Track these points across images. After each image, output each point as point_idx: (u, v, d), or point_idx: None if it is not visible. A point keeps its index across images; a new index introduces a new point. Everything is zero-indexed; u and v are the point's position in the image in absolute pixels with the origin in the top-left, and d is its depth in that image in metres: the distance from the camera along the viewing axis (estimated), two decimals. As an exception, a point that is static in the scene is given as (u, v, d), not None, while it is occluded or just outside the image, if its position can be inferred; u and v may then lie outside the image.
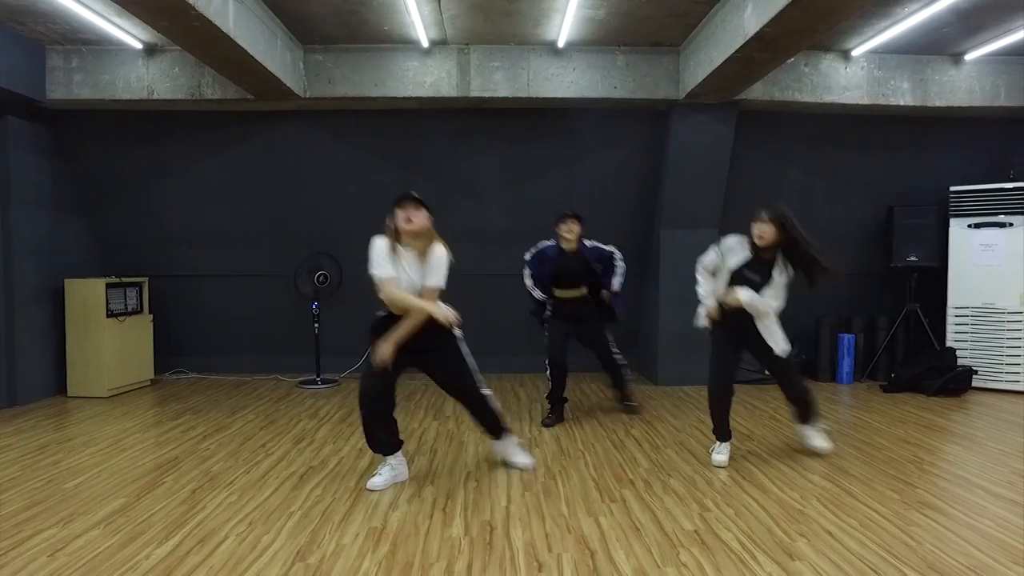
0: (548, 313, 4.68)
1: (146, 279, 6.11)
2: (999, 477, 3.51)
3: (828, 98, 5.44)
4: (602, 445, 4.14)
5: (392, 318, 3.30)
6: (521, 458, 3.73)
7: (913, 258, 5.96)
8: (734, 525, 2.88)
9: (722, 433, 3.80)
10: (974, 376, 5.62)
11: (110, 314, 5.65)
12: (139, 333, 5.98)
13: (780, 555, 2.60)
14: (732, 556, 2.60)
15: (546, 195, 6.10)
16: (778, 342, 3.70)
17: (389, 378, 3.34)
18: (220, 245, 6.34)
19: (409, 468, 3.59)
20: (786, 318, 6.80)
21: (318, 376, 6.14)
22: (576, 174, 6.09)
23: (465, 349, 3.48)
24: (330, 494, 3.28)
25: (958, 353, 5.74)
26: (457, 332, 3.42)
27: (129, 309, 5.89)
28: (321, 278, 6.01)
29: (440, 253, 3.26)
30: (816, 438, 3.96)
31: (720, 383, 3.82)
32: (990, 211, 5.69)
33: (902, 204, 6.03)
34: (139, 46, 5.15)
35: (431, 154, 6.03)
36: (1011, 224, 5.61)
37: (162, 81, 5.30)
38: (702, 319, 3.83)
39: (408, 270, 3.24)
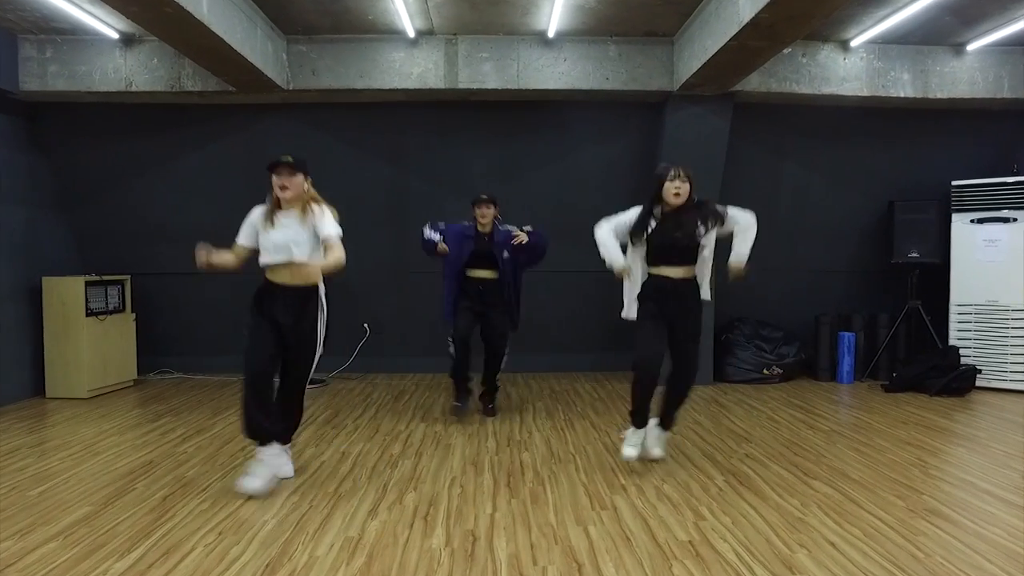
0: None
1: (128, 277, 5.94)
2: (1006, 481, 3.36)
3: (826, 89, 5.29)
4: (594, 448, 4.00)
5: (268, 286, 3.27)
6: (286, 469, 3.40)
7: (914, 254, 5.82)
8: (731, 535, 2.73)
9: (641, 418, 3.50)
10: (978, 375, 5.48)
11: (90, 313, 5.48)
12: (121, 332, 5.82)
13: (780, 568, 2.45)
14: (728, 569, 2.45)
15: (537, 190, 5.96)
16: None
17: (271, 349, 3.19)
18: (204, 241, 6.16)
19: (393, 471, 3.43)
20: (785, 315, 6.67)
21: (305, 376, 5.97)
22: (568, 168, 5.95)
23: (320, 334, 3.32)
24: (307, 501, 3.13)
25: (961, 352, 5.59)
26: (322, 305, 3.31)
27: (110, 308, 5.73)
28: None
29: (321, 208, 3.23)
30: (659, 447, 3.67)
31: (653, 360, 3.42)
32: (993, 206, 5.54)
33: (903, 199, 5.89)
34: (115, 36, 4.99)
35: (419, 148, 5.89)
36: (1015, 219, 5.46)
37: (140, 73, 5.13)
38: (630, 308, 3.54)
39: (292, 231, 3.21)
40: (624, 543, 2.67)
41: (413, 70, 5.19)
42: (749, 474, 3.49)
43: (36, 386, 5.49)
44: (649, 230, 3.46)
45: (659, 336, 3.45)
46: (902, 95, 5.34)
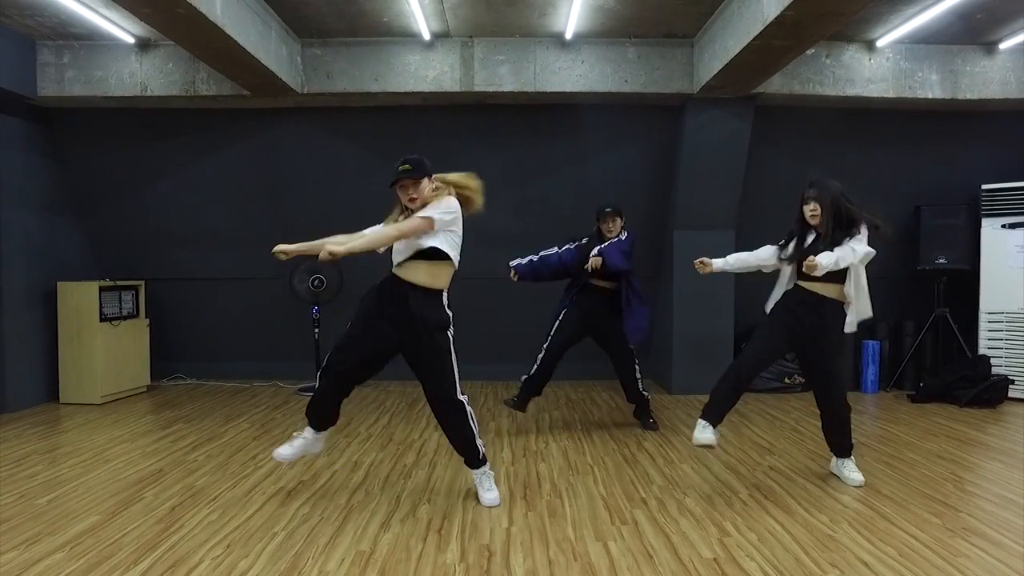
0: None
1: (142, 282, 5.92)
2: (1048, 498, 3.21)
3: (851, 91, 5.15)
4: (613, 459, 3.88)
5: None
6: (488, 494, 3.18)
7: (942, 260, 5.64)
8: (757, 552, 2.61)
9: (717, 417, 3.35)
10: (1010, 386, 5.29)
11: (104, 318, 5.46)
12: (134, 338, 5.80)
13: (810, 589, 2.33)
14: (756, 590, 2.33)
15: (553, 194, 5.87)
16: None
17: (367, 353, 3.10)
18: (218, 247, 6.15)
19: (407, 482, 3.35)
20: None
21: (317, 382, 5.91)
22: (585, 172, 5.84)
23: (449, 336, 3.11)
24: (318, 512, 3.05)
25: (992, 361, 5.40)
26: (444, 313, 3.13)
27: (124, 313, 5.71)
28: (316, 282, 5.79)
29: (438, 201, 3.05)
30: (853, 472, 3.51)
31: (751, 371, 3.33)
32: (1025, 210, 5.36)
33: (930, 203, 5.71)
34: (131, 40, 4.97)
35: (434, 152, 5.74)
36: (1048, 224, 5.28)
37: (156, 77, 5.12)
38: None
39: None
40: (646, 560, 2.55)
41: (429, 73, 5.13)
42: (774, 488, 3.36)
43: (50, 391, 5.47)
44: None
45: (773, 349, 3.41)
46: (930, 96, 5.19)
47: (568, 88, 5.16)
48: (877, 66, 5.15)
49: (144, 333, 5.94)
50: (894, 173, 5.88)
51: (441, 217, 2.97)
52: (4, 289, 5.11)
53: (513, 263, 4.49)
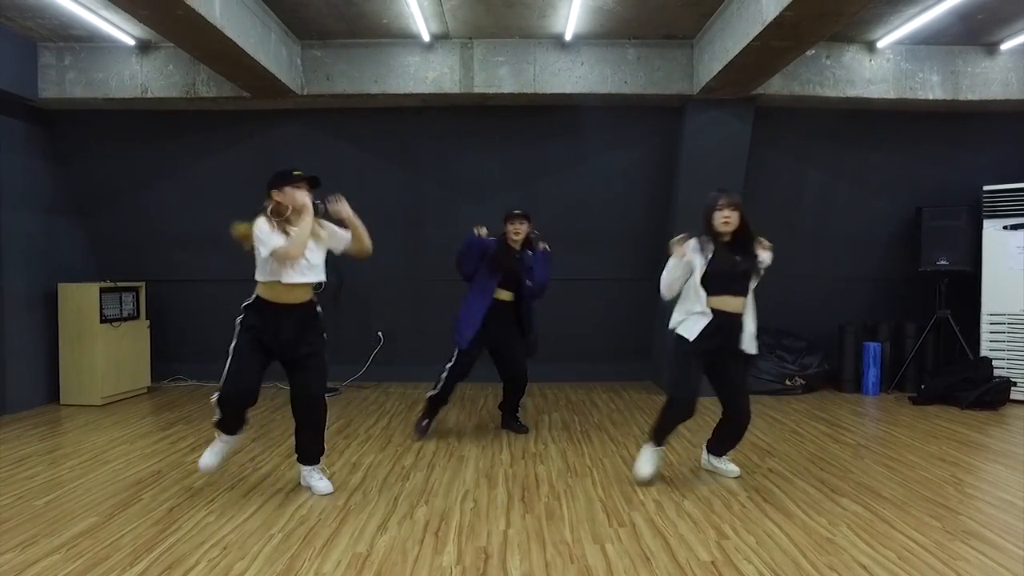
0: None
1: (143, 283, 5.93)
2: (1049, 501, 3.19)
3: (852, 92, 5.14)
4: (611, 461, 3.87)
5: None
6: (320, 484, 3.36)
7: (943, 262, 5.62)
8: (755, 556, 2.60)
9: (662, 438, 3.47)
10: (1012, 388, 5.27)
11: (104, 320, 5.47)
12: (135, 339, 5.80)
13: (808, 592, 2.32)
14: (753, 593, 2.31)
15: (554, 195, 5.86)
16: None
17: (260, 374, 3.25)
18: (219, 249, 6.10)
19: (405, 484, 3.35)
20: (808, 324, 6.49)
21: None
22: (584, 175, 5.83)
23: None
24: (315, 514, 3.04)
25: (994, 363, 5.38)
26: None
27: (125, 314, 5.72)
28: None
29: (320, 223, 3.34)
30: (730, 464, 3.62)
31: (693, 396, 3.35)
32: (1027, 211, 5.34)
33: (931, 204, 5.70)
34: (132, 43, 4.99)
35: (433, 154, 5.81)
36: (1050, 225, 5.26)
37: (156, 79, 5.13)
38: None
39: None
40: (643, 563, 2.54)
41: (428, 74, 5.13)
42: (773, 490, 3.35)
43: (51, 393, 5.48)
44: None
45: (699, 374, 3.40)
46: (931, 97, 5.17)
47: (568, 89, 5.16)
48: (878, 67, 5.14)
49: (144, 334, 5.94)
50: (895, 174, 5.86)
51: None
52: (5, 290, 5.12)
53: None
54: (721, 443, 3.59)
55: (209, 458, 3.31)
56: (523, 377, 4.47)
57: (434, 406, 4.42)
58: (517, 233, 4.24)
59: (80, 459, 3.91)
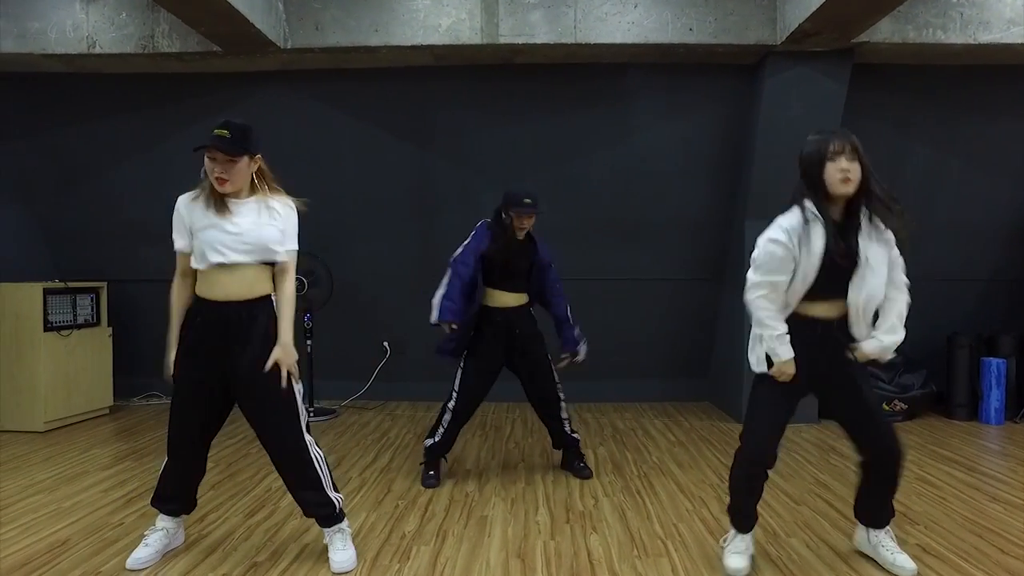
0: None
1: (105, 284, 5.01)
2: None
3: (985, 37, 4.03)
4: (689, 528, 2.81)
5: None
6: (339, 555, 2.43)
7: (1088, 257, 4.48)
8: None
9: (746, 521, 2.44)
10: None
11: (49, 327, 4.52)
12: (92, 350, 4.86)
13: None
14: None
15: (595, 177, 4.87)
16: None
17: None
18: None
19: (403, 568, 2.31)
20: (908, 336, 5.35)
21: (310, 405, 4.91)
22: (634, 150, 4.83)
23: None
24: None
25: None
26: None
27: (80, 320, 4.79)
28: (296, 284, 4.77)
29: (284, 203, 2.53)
30: (899, 554, 2.38)
31: (766, 450, 2.40)
32: None
33: (1071, 186, 4.58)
34: (74, -17, 4.04)
35: (449, 125, 4.85)
36: None
37: (106, 30, 4.18)
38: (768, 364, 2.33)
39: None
40: None
41: (442, 21, 4.12)
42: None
43: (-15, 416, 4.55)
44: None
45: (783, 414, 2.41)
46: (1090, 46, 4.05)
47: (617, 39, 4.13)
48: None
49: (106, 344, 5.01)
50: (1021, 149, 4.75)
51: None
52: (-77, 292, 4.20)
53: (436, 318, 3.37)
54: (871, 502, 2.44)
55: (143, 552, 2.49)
56: (555, 402, 3.54)
57: (434, 456, 3.46)
58: (522, 228, 3.37)
59: (-22, 514, 2.94)
